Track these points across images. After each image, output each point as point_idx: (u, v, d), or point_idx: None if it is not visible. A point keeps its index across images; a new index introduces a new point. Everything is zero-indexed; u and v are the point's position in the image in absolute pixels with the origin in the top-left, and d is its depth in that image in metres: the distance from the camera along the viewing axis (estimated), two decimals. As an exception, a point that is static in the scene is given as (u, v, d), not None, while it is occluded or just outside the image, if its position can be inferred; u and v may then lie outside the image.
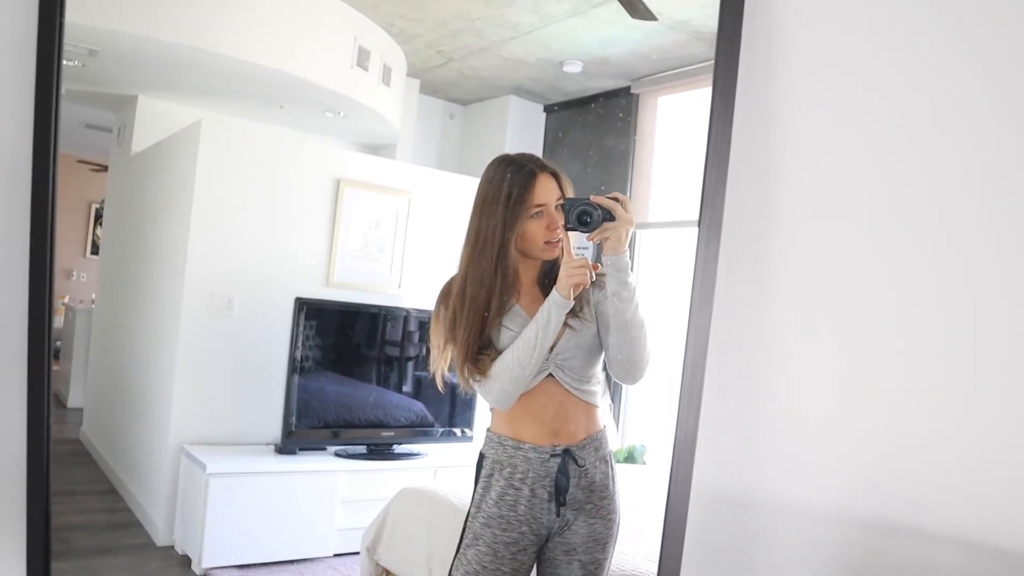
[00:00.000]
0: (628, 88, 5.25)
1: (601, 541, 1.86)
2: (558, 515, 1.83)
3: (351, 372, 4.23)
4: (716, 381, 1.64)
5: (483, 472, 1.89)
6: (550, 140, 5.88)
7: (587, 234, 1.76)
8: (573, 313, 1.82)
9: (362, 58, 4.44)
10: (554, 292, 1.77)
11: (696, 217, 1.70)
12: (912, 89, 1.50)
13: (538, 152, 4.97)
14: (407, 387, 4.41)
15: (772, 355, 1.61)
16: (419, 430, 4.36)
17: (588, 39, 4.68)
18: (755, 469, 1.61)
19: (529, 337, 1.77)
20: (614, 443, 4.79)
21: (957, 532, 1.35)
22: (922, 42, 1.50)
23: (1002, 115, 1.38)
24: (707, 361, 1.63)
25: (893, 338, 1.45)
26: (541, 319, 1.77)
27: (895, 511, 1.42)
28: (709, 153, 1.64)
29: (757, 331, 1.64)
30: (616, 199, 1.76)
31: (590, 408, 1.89)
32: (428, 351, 1.96)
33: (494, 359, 1.80)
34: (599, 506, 1.86)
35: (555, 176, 1.85)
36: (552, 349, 1.82)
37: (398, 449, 4.23)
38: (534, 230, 1.82)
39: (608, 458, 1.91)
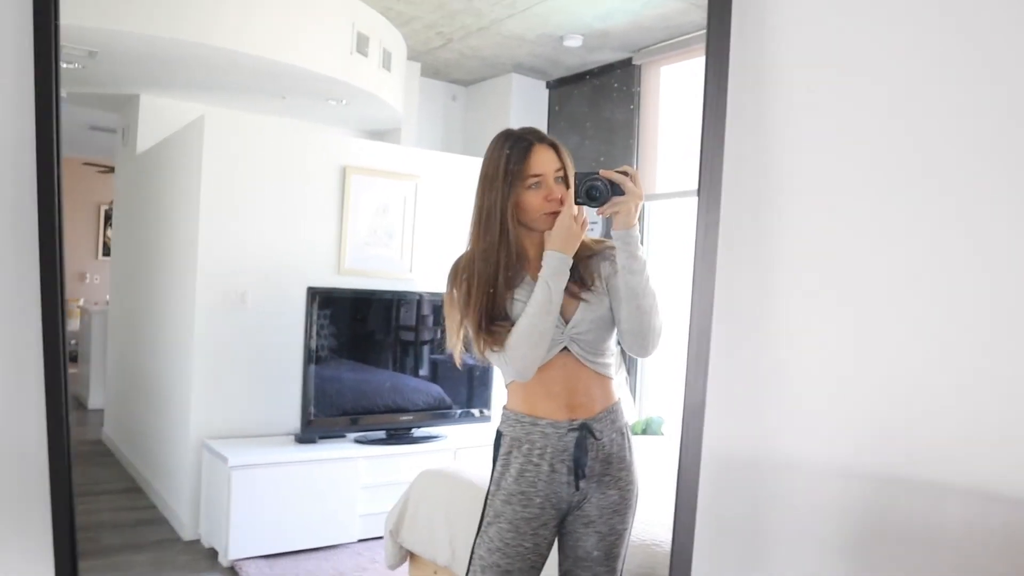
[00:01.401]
0: (630, 60, 5.21)
1: (620, 511, 1.87)
2: (577, 488, 1.84)
3: (367, 358, 4.24)
4: (723, 346, 1.63)
5: (501, 450, 1.90)
6: (553, 116, 5.87)
7: (596, 208, 1.77)
8: (586, 287, 1.83)
9: (361, 44, 4.42)
10: (547, 252, 1.77)
11: (701, 185, 1.69)
12: (916, 46, 1.48)
13: (542, 128, 4.96)
14: (423, 371, 4.42)
15: (777, 318, 1.61)
16: (437, 413, 4.37)
17: (587, 12, 4.64)
18: (764, 431, 1.61)
19: (540, 300, 1.76)
20: (631, 416, 4.80)
21: (964, 482, 1.35)
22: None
23: (1010, 72, 1.36)
24: (712, 327, 1.62)
25: (897, 296, 1.45)
26: (551, 282, 1.76)
27: (903, 466, 1.42)
28: (705, 117, 1.63)
29: (762, 294, 1.63)
30: (625, 173, 1.76)
31: (605, 380, 1.89)
32: (443, 333, 1.96)
33: (509, 331, 1.80)
34: (616, 477, 1.87)
35: (554, 147, 1.85)
36: (567, 323, 1.82)
37: (417, 433, 4.25)
38: (531, 201, 1.81)
39: (624, 430, 1.92)
